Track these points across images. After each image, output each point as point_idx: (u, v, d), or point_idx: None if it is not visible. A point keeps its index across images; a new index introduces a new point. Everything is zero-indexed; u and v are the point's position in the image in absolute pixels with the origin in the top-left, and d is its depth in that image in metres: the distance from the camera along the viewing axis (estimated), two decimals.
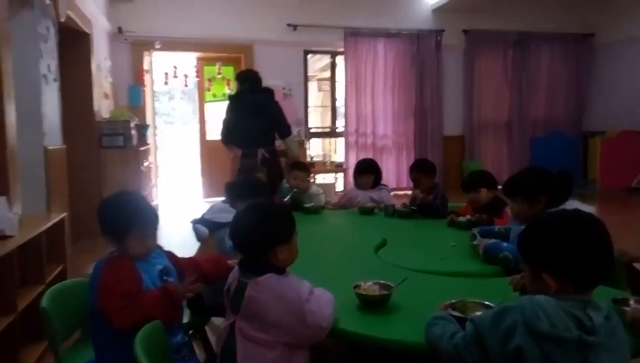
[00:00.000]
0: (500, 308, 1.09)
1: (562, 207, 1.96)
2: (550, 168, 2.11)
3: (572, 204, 2.02)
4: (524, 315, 1.02)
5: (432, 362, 1.25)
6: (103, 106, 5.57)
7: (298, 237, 1.48)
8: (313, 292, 1.37)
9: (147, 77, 6.75)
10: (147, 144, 6.06)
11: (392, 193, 3.82)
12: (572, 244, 1.07)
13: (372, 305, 1.48)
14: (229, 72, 7.38)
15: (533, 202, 1.96)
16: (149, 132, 6.28)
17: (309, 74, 8.01)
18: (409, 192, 5.24)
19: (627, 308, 1.30)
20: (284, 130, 4.17)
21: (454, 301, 1.38)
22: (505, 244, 1.98)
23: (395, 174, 7.72)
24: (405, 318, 1.43)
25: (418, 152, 7.70)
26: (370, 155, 7.24)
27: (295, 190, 3.31)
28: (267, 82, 7.64)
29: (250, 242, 1.38)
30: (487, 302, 1.36)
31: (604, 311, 1.05)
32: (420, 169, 3.24)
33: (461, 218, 2.68)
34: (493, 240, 2.05)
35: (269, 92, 4.23)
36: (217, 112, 7.93)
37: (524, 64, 8.18)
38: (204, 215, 2.21)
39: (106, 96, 5.82)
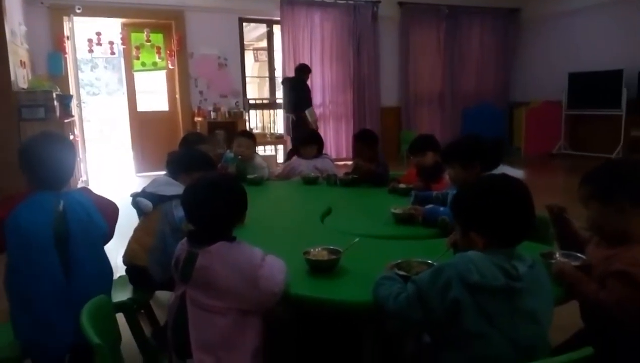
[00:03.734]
0: (436, 267, 1.17)
1: (494, 171, 2.10)
2: (483, 135, 2.24)
3: (503, 168, 2.17)
4: (457, 270, 1.11)
5: (378, 320, 1.31)
6: (20, 75, 5.11)
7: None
8: (265, 258, 1.38)
9: (68, 45, 6.25)
10: (72, 116, 5.67)
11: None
12: (496, 206, 1.17)
13: (321, 269, 1.51)
14: (159, 39, 7.00)
15: (468, 167, 2.07)
16: (73, 103, 5.87)
17: (245, 43, 7.79)
18: (349, 163, 5.33)
19: (553, 261, 1.44)
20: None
21: (399, 261, 1.45)
22: (442, 208, 2.09)
23: (334, 144, 7.81)
24: (353, 280, 1.48)
25: (357, 122, 7.82)
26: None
27: (239, 157, 3.25)
28: (200, 50, 7.33)
29: (215, 215, 1.36)
30: (429, 261, 1.44)
31: (528, 261, 1.16)
32: (364, 140, 3.29)
33: (402, 185, 2.78)
34: (432, 206, 2.15)
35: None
36: (149, 82, 7.53)
37: (456, 38, 8.46)
38: (145, 188, 2.12)
39: (23, 64, 5.33)
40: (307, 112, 6.15)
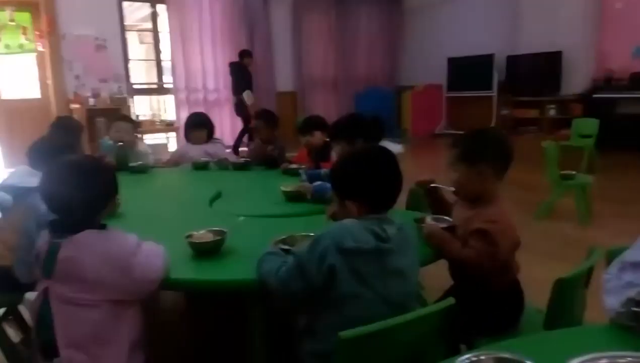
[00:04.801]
0: (314, 237, 1.21)
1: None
2: (365, 114, 2.34)
3: (384, 143, 2.29)
4: (333, 238, 1.16)
5: (265, 297, 1.32)
6: None
7: (126, 198, 1.41)
8: (141, 245, 1.30)
9: None
10: None
11: (228, 150, 3.81)
12: (366, 174, 1.24)
13: (205, 252, 1.47)
14: (25, 18, 6.25)
15: (352, 143, 2.15)
16: None
17: (128, 24, 7.25)
18: (246, 149, 5.28)
19: (424, 225, 1.55)
20: None
21: (284, 237, 1.46)
22: (329, 185, 2.15)
23: (230, 130, 7.64)
24: (240, 260, 1.46)
25: None
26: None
27: (118, 144, 3.03)
28: (74, 31, 6.69)
29: (77, 201, 1.23)
30: (312, 234, 1.47)
31: (397, 224, 1.24)
32: (262, 117, 3.28)
33: (293, 166, 2.82)
34: (320, 182, 2.20)
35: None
36: (15, 66, 6.72)
37: (346, 23, 8.70)
38: (4, 181, 1.89)
39: None
40: (244, 94, 6.51)
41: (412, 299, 1.24)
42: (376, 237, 1.17)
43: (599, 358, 0.71)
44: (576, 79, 7.06)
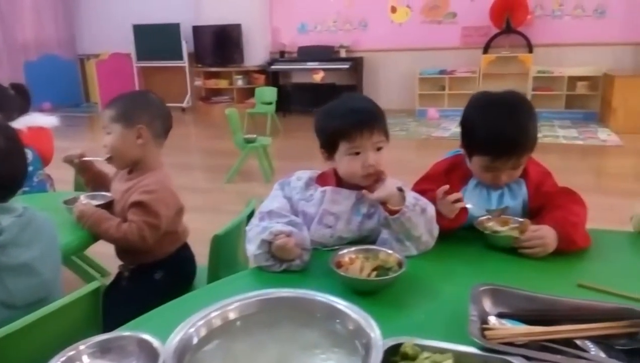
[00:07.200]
0: None
1: (22, 120, 1.84)
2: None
3: (33, 117, 1.94)
4: None
5: None
6: None
7: None
8: None
9: None
10: None
11: None
12: None
13: None
14: None
15: None
16: None
17: None
18: None
19: (73, 206, 1.36)
20: None
21: None
22: None
23: None
24: None
25: None
26: None
27: None
28: None
29: None
30: None
31: (18, 210, 1.00)
32: None
33: None
34: None
35: None
36: None
37: None
38: None
39: None
40: None
41: (52, 293, 1.04)
42: None
43: (231, 304, 0.73)
44: (257, 52, 7.74)
